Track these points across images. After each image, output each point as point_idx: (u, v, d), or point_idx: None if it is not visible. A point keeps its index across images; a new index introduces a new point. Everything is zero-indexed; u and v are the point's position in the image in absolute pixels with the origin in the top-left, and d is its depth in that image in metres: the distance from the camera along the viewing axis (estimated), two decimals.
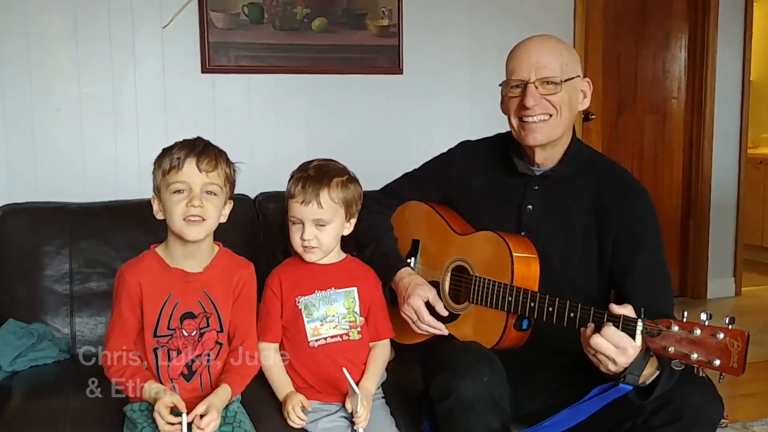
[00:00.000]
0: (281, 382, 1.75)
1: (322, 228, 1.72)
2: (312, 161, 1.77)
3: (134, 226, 2.14)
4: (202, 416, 1.52)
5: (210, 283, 1.67)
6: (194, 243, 1.63)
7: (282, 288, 1.77)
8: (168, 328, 1.62)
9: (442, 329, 1.77)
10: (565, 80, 1.70)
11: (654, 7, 4.25)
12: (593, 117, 4.12)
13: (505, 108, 1.80)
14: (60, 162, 3.14)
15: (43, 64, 3.10)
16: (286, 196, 1.75)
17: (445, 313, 1.79)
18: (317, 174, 1.72)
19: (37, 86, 3.10)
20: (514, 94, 1.73)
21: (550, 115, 1.70)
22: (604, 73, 4.15)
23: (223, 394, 1.60)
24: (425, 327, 1.77)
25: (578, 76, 1.75)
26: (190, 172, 1.58)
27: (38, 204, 2.30)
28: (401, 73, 3.56)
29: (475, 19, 3.70)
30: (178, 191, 1.59)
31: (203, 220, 1.59)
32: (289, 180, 1.75)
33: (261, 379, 1.75)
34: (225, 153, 1.67)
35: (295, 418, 1.69)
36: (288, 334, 1.77)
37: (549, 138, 1.72)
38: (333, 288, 1.78)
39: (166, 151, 1.62)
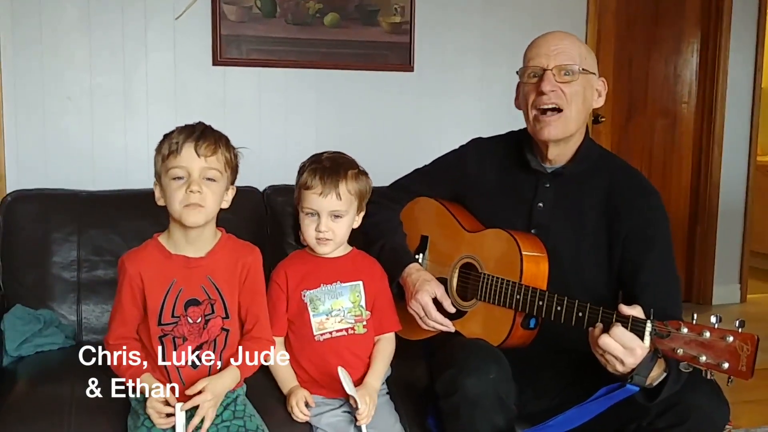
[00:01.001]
0: (285, 376, 1.75)
1: (337, 220, 1.73)
2: (322, 153, 1.77)
3: (143, 215, 2.13)
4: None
5: (213, 268, 1.64)
6: (195, 229, 1.61)
7: (288, 282, 1.77)
8: (172, 316, 1.61)
9: (449, 326, 1.77)
10: (582, 70, 1.70)
11: (666, 10, 4.23)
12: (603, 120, 4.10)
13: (519, 102, 1.80)
14: (70, 151, 3.14)
15: (56, 53, 3.10)
16: (297, 188, 1.75)
17: (452, 310, 1.79)
18: (333, 165, 1.72)
19: (48, 75, 3.10)
20: (531, 81, 1.73)
21: (562, 109, 1.70)
22: (615, 75, 4.12)
23: (230, 377, 1.60)
24: (432, 323, 1.78)
25: (594, 73, 1.75)
26: (189, 157, 1.55)
27: (48, 191, 2.30)
28: (412, 71, 3.55)
29: (488, 19, 3.68)
30: (178, 177, 1.56)
31: (202, 206, 1.57)
32: (301, 171, 1.74)
33: (265, 372, 1.75)
34: (226, 137, 1.63)
35: (299, 413, 1.69)
36: (293, 328, 1.77)
37: (564, 134, 1.72)
38: (338, 282, 1.78)
39: (166, 137, 1.60)
